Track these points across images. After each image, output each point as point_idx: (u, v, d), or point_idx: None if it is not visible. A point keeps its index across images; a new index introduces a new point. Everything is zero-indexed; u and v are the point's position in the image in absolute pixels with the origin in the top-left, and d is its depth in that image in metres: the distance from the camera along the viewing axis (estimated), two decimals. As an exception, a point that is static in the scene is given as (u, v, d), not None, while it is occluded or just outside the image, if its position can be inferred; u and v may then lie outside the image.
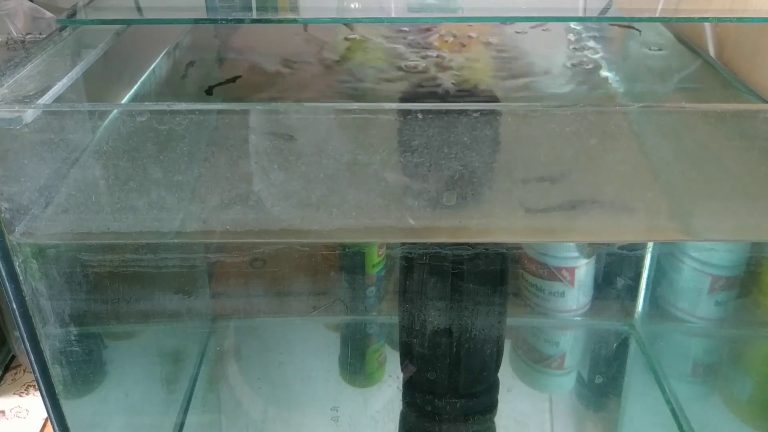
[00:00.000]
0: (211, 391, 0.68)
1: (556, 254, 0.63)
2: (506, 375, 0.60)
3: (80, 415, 0.49)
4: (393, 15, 0.52)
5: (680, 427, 0.63)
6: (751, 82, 0.50)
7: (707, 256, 0.60)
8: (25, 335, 0.43)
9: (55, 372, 0.45)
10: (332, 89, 0.51)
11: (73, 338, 0.47)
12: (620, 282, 0.66)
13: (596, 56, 0.55)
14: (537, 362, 0.67)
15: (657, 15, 0.53)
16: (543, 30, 0.58)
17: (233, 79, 0.52)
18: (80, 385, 0.50)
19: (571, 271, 0.63)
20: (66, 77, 0.41)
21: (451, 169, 0.40)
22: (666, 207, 0.43)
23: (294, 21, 0.54)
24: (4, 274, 0.41)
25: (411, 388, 0.54)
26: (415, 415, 0.55)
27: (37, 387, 0.45)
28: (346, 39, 0.57)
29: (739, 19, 0.49)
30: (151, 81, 0.53)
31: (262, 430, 0.65)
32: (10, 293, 0.41)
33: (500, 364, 0.54)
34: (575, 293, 0.64)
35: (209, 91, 0.51)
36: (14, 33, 0.68)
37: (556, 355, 0.67)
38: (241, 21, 0.50)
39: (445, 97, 0.47)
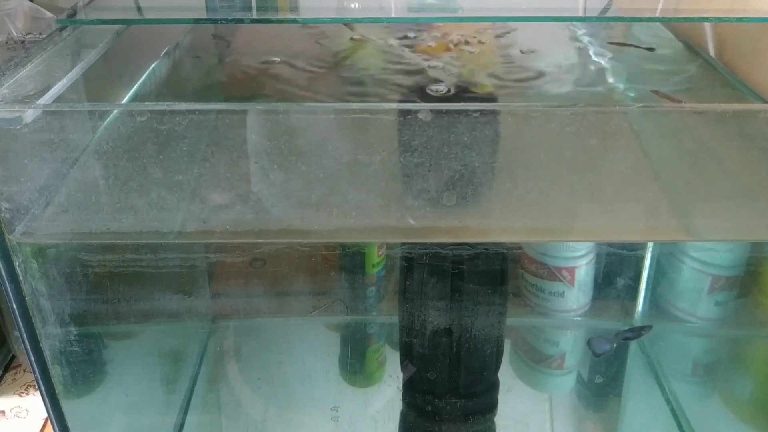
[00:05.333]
0: (211, 391, 0.68)
1: (556, 254, 0.63)
2: (506, 375, 0.60)
3: (80, 415, 0.49)
4: (393, 15, 0.52)
5: (680, 427, 0.63)
6: (751, 82, 0.50)
7: (707, 256, 0.60)
8: (25, 335, 0.43)
9: (55, 372, 0.45)
10: (333, 89, 0.51)
11: (73, 338, 0.47)
12: (620, 282, 0.66)
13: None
14: (537, 362, 0.67)
15: (657, 15, 0.53)
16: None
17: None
18: (80, 385, 0.50)
19: (571, 271, 0.63)
20: (66, 77, 0.41)
21: (452, 169, 0.40)
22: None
23: (294, 21, 0.54)
24: (4, 274, 0.41)
25: (411, 388, 0.54)
26: (415, 415, 0.55)
27: (37, 387, 0.45)
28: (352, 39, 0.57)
29: (739, 19, 0.49)
30: (151, 81, 0.53)
31: (262, 430, 0.65)
32: (10, 293, 0.41)
33: (500, 364, 0.54)
34: (575, 293, 0.64)
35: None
36: (14, 33, 0.68)
37: (556, 355, 0.67)
38: (241, 21, 0.50)
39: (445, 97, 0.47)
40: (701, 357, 0.66)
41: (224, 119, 0.40)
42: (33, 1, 0.73)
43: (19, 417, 0.68)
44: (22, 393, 0.71)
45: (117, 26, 0.49)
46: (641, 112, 0.42)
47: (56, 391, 0.46)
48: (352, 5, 0.53)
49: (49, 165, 0.41)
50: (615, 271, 0.65)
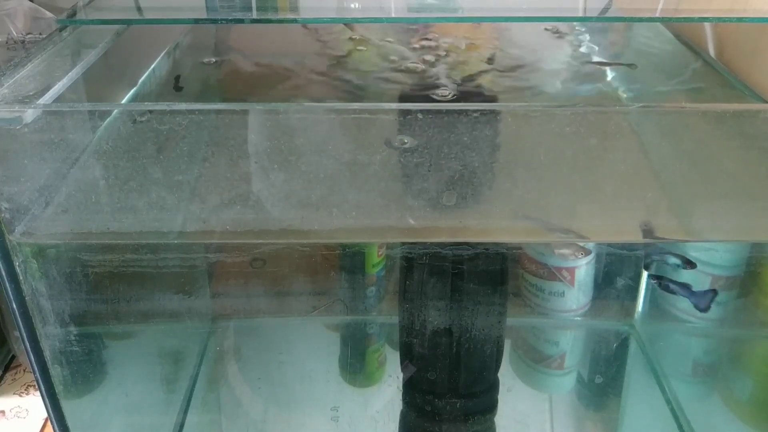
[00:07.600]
0: (211, 391, 0.68)
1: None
2: (506, 375, 0.60)
3: (80, 415, 0.49)
4: (393, 15, 0.52)
5: (680, 427, 0.63)
6: (751, 82, 0.50)
7: (707, 256, 0.59)
8: (25, 335, 0.43)
9: (55, 372, 0.45)
10: (333, 88, 0.51)
11: (73, 338, 0.47)
12: (620, 282, 0.66)
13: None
14: (537, 362, 0.67)
15: (657, 15, 0.53)
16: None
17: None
18: (80, 385, 0.50)
19: (571, 271, 0.63)
20: (66, 77, 0.41)
21: (452, 169, 0.40)
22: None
23: (294, 21, 0.54)
24: (4, 274, 0.41)
25: (411, 388, 0.54)
26: (415, 415, 0.55)
27: (37, 387, 0.45)
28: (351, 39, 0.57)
29: (739, 19, 0.49)
30: (151, 81, 0.53)
31: (262, 430, 0.65)
32: (10, 293, 0.41)
33: (500, 364, 0.54)
34: (575, 293, 0.64)
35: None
36: (14, 33, 0.68)
37: (556, 355, 0.67)
38: (241, 21, 0.50)
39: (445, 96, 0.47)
40: (701, 357, 0.66)
41: (224, 119, 0.40)
42: (33, 1, 0.73)
43: (19, 417, 0.68)
44: (22, 393, 0.71)
45: (117, 26, 0.49)
46: (641, 112, 0.42)
47: (56, 391, 0.46)
48: (353, 5, 0.53)
49: (49, 165, 0.41)
50: (615, 271, 0.65)
